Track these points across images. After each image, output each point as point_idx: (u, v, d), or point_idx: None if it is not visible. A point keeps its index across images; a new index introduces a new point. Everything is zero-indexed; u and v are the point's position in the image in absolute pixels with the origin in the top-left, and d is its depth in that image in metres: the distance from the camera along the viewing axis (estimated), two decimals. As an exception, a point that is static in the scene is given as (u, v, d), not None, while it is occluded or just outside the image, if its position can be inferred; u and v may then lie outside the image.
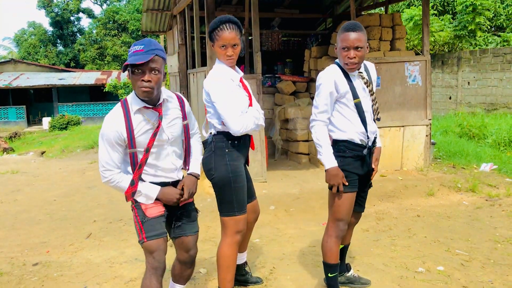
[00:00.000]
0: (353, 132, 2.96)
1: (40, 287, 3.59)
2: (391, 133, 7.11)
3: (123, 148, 2.53)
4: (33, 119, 29.88)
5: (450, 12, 18.95)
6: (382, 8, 11.30)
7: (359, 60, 2.88)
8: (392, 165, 7.16)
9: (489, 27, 17.57)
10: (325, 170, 2.95)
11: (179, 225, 2.74)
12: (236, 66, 3.02)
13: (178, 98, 2.72)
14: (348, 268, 3.48)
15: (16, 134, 23.54)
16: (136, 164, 2.56)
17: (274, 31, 10.91)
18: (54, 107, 28.50)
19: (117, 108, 2.53)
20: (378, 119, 3.08)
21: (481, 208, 5.44)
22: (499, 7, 17.58)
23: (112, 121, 2.48)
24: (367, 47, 2.96)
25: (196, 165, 2.82)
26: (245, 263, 3.49)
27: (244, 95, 2.96)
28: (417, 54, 8.11)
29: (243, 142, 3.00)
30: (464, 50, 16.30)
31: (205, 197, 6.02)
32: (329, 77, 2.93)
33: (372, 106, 3.04)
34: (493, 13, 17.39)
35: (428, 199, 5.89)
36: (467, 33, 16.57)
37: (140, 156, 2.55)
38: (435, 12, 18.74)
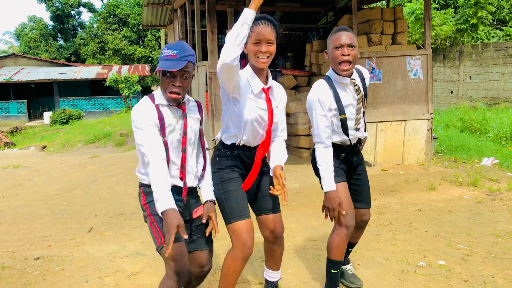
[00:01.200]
0: (335, 137, 2.95)
1: (42, 281, 3.60)
2: (393, 127, 7.11)
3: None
4: (34, 114, 29.91)
5: (452, 6, 18.87)
6: (383, 1, 11.27)
7: (353, 59, 2.78)
8: (393, 160, 7.16)
9: (491, 21, 17.49)
10: (324, 193, 2.88)
11: (194, 239, 2.67)
12: (269, 72, 2.76)
13: (196, 102, 2.71)
14: (346, 262, 3.43)
15: (17, 128, 23.57)
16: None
17: (275, 25, 10.88)
18: (55, 101, 28.52)
19: (146, 100, 2.50)
20: (357, 129, 2.97)
21: (482, 203, 5.44)
22: (502, 0, 17.49)
23: (145, 110, 2.43)
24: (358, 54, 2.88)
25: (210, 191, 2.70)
26: (275, 284, 3.09)
27: (255, 106, 2.67)
28: (418, 48, 8.08)
29: (238, 155, 2.77)
30: (466, 44, 16.24)
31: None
32: (316, 100, 2.84)
33: (356, 115, 2.93)
34: (496, 6, 17.31)
35: (429, 194, 5.89)
36: (469, 27, 16.50)
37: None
38: (437, 6, 18.68)
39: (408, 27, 13.65)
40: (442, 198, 5.71)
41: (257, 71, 2.69)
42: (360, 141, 3.08)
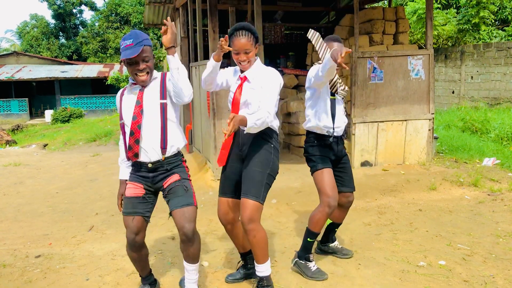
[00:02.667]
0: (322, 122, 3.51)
1: (43, 279, 3.61)
2: (394, 127, 7.10)
3: None
4: (35, 112, 29.93)
5: (454, 6, 18.83)
6: (385, 1, 11.25)
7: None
8: (395, 159, 7.16)
9: (493, 21, 17.45)
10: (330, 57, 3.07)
11: (167, 201, 2.94)
12: (252, 67, 3.17)
13: (161, 74, 2.99)
14: (333, 240, 3.90)
15: (18, 126, 23.59)
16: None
17: (276, 24, 10.88)
18: (56, 99, 28.52)
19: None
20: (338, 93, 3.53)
21: (483, 203, 5.43)
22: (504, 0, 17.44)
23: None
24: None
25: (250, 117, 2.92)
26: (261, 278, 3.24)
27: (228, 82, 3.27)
28: (420, 48, 8.07)
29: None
30: (468, 44, 16.21)
31: (206, 190, 6.04)
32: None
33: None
34: (498, 6, 17.26)
35: (430, 194, 5.89)
36: (470, 27, 16.47)
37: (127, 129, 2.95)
38: (439, 5, 18.64)
39: (410, 27, 13.64)
40: (443, 198, 5.71)
41: (242, 70, 3.18)
42: (342, 136, 3.62)
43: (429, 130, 7.23)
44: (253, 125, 2.87)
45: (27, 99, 28.49)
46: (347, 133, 3.52)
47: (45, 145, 14.16)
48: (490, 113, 11.05)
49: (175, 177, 2.93)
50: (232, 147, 3.17)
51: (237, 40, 3.03)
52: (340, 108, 3.59)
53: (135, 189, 2.96)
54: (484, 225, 4.66)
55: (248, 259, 3.45)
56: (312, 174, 3.57)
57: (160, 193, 3.06)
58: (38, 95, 31.04)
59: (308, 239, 3.52)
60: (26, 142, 16.70)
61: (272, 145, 3.14)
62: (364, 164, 7.10)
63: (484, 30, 16.80)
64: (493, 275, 3.48)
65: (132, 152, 2.90)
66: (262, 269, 3.13)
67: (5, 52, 35.50)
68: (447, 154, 7.73)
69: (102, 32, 39.39)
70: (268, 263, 3.15)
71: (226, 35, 3.00)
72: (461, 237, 4.31)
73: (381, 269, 3.63)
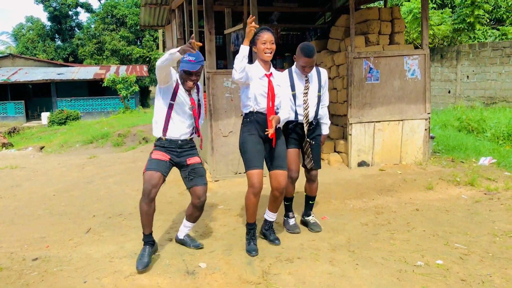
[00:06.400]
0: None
1: (40, 282, 3.59)
2: (390, 127, 7.12)
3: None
4: (32, 114, 29.85)
5: (449, 5, 18.89)
6: (381, 1, 11.26)
7: (310, 69, 4.36)
8: (391, 159, 7.17)
9: (488, 20, 17.51)
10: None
11: (191, 178, 3.97)
12: (270, 64, 4.10)
13: (197, 85, 4.10)
14: (308, 214, 4.72)
15: (15, 129, 23.51)
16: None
17: (272, 25, 10.87)
18: (52, 102, 28.45)
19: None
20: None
21: (480, 202, 5.45)
22: (499, -1, 17.52)
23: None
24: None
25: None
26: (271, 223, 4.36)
27: (260, 84, 4.00)
28: (416, 47, 8.10)
29: (255, 120, 4.01)
30: (464, 43, 16.26)
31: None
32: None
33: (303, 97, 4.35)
34: (493, 5, 17.33)
35: (427, 193, 5.90)
36: (466, 26, 16.52)
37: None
38: (435, 5, 18.70)
39: (406, 27, 13.66)
40: (440, 197, 5.72)
41: (264, 63, 4.03)
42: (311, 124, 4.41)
43: (425, 129, 7.24)
44: (283, 121, 4.09)
45: (23, 101, 28.42)
46: None
47: (41, 148, 14.13)
48: (486, 112, 11.09)
49: (196, 159, 4.01)
50: (254, 130, 4.00)
51: (265, 33, 3.92)
52: None
53: (162, 156, 3.90)
54: (481, 224, 4.67)
55: (253, 232, 4.16)
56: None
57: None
58: (35, 97, 30.97)
59: (285, 202, 4.64)
60: (23, 144, 16.65)
61: (281, 129, 4.20)
62: (361, 164, 7.11)
63: (479, 30, 16.85)
64: (490, 274, 3.49)
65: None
66: (275, 217, 4.31)
67: (1, 55, 35.38)
68: (444, 154, 7.75)
69: (98, 34, 39.30)
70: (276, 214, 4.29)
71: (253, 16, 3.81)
72: (458, 237, 4.32)
73: (378, 269, 3.63)
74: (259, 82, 3.98)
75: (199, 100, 4.10)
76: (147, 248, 3.88)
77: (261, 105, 3.98)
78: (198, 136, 4.12)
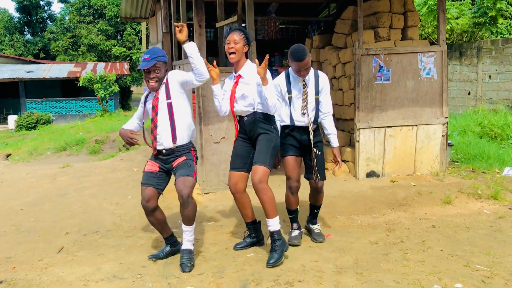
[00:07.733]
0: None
1: (5, 308, 3.57)
2: (403, 133, 7.14)
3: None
4: (-3, 117, 29.77)
5: (469, -4, 19.01)
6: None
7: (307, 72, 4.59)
8: (404, 169, 7.19)
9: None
10: None
11: (174, 173, 4.19)
12: (245, 64, 4.43)
13: (166, 81, 4.21)
14: (314, 223, 4.90)
15: (-23, 134, 23.44)
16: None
17: (270, 17, 10.93)
18: (21, 103, 28.36)
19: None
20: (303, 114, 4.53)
21: (504, 218, 5.46)
22: (524, -10, 17.64)
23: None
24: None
25: None
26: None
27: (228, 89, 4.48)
28: (432, 43, 8.14)
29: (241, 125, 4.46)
30: (485, 39, 16.36)
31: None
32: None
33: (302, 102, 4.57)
34: (517, -3, 17.44)
35: (445, 208, 5.91)
36: (487, 20, 16.62)
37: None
38: (453, -4, 18.81)
39: (420, 20, 13.74)
40: (459, 212, 5.74)
41: (236, 63, 4.40)
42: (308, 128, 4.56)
43: (442, 136, 7.27)
44: (273, 102, 4.22)
45: (-14, 103, 28.34)
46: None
47: (8, 155, 14.07)
48: (510, 116, 11.14)
49: (182, 159, 4.19)
50: (239, 133, 4.46)
51: (231, 34, 4.24)
52: None
53: (152, 166, 4.24)
54: (506, 243, 4.68)
55: (252, 228, 4.57)
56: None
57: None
58: (0, 98, 30.90)
59: (289, 215, 4.80)
60: (-14, 152, 16.57)
61: (272, 127, 4.38)
62: (370, 174, 7.12)
63: (502, 24, 16.95)
64: (516, 299, 3.50)
65: (153, 146, 4.24)
66: (272, 223, 4.21)
67: (-38, 50, 35.38)
68: (463, 163, 7.78)
69: (73, 27, 39.31)
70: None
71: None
72: (479, 257, 4.32)
73: (390, 293, 3.63)
74: (229, 87, 4.46)
75: (169, 97, 4.17)
76: (168, 246, 4.40)
77: (231, 108, 4.40)
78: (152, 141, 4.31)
